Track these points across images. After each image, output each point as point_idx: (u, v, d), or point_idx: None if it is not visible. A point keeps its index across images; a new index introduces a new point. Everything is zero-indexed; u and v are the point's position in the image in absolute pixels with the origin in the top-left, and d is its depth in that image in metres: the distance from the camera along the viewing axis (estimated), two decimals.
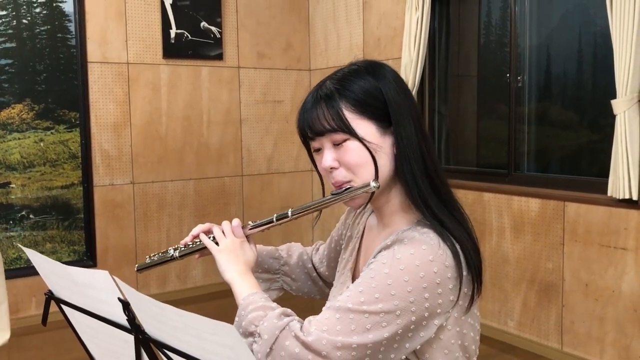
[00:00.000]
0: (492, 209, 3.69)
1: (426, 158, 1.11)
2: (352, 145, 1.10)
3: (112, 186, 4.33)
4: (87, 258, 4.28)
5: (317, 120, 1.12)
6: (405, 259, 1.02)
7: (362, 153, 1.10)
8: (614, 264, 3.09)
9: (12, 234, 4.02)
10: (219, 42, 4.66)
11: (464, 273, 1.05)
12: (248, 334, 1.04)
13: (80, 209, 4.24)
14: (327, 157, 1.13)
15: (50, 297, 1.19)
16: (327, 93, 1.12)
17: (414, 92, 4.03)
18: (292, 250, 1.50)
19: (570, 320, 3.31)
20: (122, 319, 1.02)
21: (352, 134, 1.10)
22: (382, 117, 1.11)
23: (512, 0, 3.69)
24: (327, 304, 1.09)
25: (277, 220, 1.22)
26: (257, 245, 1.33)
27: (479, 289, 1.09)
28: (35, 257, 1.15)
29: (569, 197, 3.30)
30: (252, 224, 1.26)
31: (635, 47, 2.86)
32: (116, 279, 1.00)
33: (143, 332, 1.00)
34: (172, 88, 4.52)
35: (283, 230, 5.01)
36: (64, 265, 1.09)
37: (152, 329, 0.99)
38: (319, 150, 1.16)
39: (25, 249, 1.18)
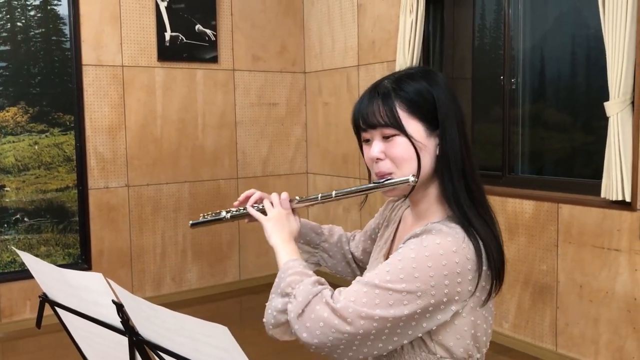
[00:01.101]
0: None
1: (465, 162, 1.22)
2: (401, 140, 1.20)
3: (107, 189, 4.32)
4: (82, 261, 4.27)
5: (372, 114, 1.22)
6: (431, 247, 1.12)
7: (408, 149, 1.20)
8: (607, 265, 3.10)
9: (6, 237, 4.01)
10: (213, 45, 4.67)
11: (484, 268, 1.14)
12: (285, 294, 1.15)
13: (75, 212, 4.23)
14: (375, 149, 1.23)
15: (44, 299, 1.19)
16: (384, 91, 1.22)
17: None
18: (334, 231, 1.62)
19: (564, 321, 3.32)
20: (116, 321, 1.03)
21: (402, 130, 1.20)
22: (431, 120, 1.21)
23: (506, 3, 3.71)
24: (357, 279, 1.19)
25: (321, 199, 1.35)
26: (302, 220, 1.48)
27: (498, 286, 1.18)
28: (30, 260, 1.15)
29: (562, 198, 3.31)
30: (298, 199, 1.40)
31: (627, 49, 2.88)
32: (110, 281, 1.00)
33: (137, 334, 1.01)
34: (167, 91, 4.52)
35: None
36: (58, 267, 1.09)
37: (146, 331, 0.99)
38: (368, 141, 1.27)
39: (19, 252, 1.18)
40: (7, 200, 4.01)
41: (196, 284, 4.71)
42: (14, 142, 4.00)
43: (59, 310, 1.19)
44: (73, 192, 4.22)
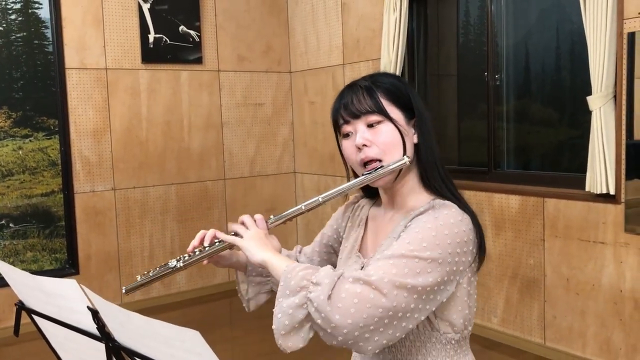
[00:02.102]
0: (473, 207, 3.70)
1: (438, 150, 1.31)
2: (386, 127, 1.25)
3: (93, 193, 4.29)
4: (70, 266, 4.24)
5: (356, 103, 1.26)
6: (443, 217, 1.18)
7: (395, 134, 1.25)
8: (593, 258, 3.12)
9: None
10: (198, 46, 4.65)
11: (477, 238, 1.22)
12: (300, 289, 1.10)
13: (61, 217, 4.20)
14: (361, 136, 1.25)
15: (20, 307, 1.18)
16: (364, 84, 1.29)
17: None
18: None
19: (552, 315, 3.34)
20: (92, 328, 1.02)
21: (387, 116, 1.25)
22: (407, 110, 1.29)
23: (489, 0, 3.72)
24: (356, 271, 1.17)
25: (305, 207, 1.29)
26: None
27: (483, 254, 1.25)
28: (4, 268, 1.14)
29: (548, 193, 3.33)
30: (273, 217, 1.33)
31: (609, 44, 2.89)
32: (84, 287, 0.99)
33: (113, 340, 1.00)
34: (152, 93, 4.50)
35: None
36: (33, 275, 1.08)
37: (122, 337, 0.98)
38: (347, 135, 1.28)
39: None
40: None
41: (185, 286, 4.69)
42: None
43: (36, 317, 1.18)
44: (59, 196, 4.19)
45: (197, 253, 1.32)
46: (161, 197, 4.57)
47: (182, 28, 4.56)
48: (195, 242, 1.35)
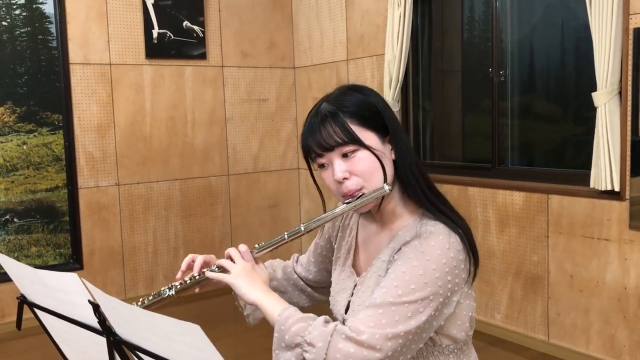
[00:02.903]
0: (477, 203, 3.70)
1: (417, 160, 1.26)
2: (362, 154, 1.20)
3: (97, 188, 4.30)
4: (74, 261, 4.25)
5: (326, 136, 1.20)
6: (429, 251, 1.15)
7: (372, 160, 1.20)
8: (597, 255, 3.11)
9: None
10: (202, 42, 4.64)
11: (469, 253, 1.20)
12: (295, 346, 1.10)
13: (65, 212, 4.21)
14: (338, 169, 1.21)
15: (23, 301, 1.18)
16: (329, 111, 1.22)
17: (398, 88, 4.04)
18: (275, 266, 1.58)
19: (556, 311, 3.33)
20: (94, 322, 1.02)
21: (361, 144, 1.20)
22: (380, 128, 1.23)
23: None
24: (355, 301, 1.20)
25: (288, 237, 1.27)
26: None
27: (477, 263, 1.24)
28: (6, 261, 1.14)
29: (552, 189, 3.32)
30: (257, 247, 1.31)
31: (614, 40, 2.87)
32: (85, 281, 0.99)
33: (114, 334, 1.00)
34: (156, 88, 4.50)
35: (271, 211, 5.04)
36: (34, 269, 1.08)
37: (124, 331, 0.98)
38: (323, 166, 1.24)
39: None
40: None
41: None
42: (1, 142, 3.98)
43: (38, 311, 1.18)
44: (63, 191, 4.19)
45: (187, 282, 1.33)
46: (165, 193, 4.58)
47: (186, 23, 4.56)
48: (183, 267, 1.36)
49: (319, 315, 1.15)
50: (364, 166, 1.20)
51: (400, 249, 1.19)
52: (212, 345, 0.82)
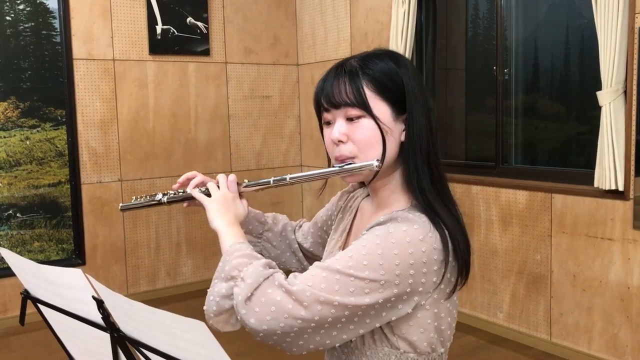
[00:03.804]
0: (480, 202, 3.69)
1: (430, 151, 1.15)
2: (366, 123, 1.12)
3: (100, 184, 4.30)
4: (76, 256, 4.25)
5: (337, 92, 1.14)
6: (397, 234, 1.05)
7: (374, 132, 1.12)
8: (600, 255, 3.10)
9: None
10: (205, 38, 4.64)
11: (450, 259, 1.08)
12: (230, 278, 1.06)
13: (68, 207, 4.21)
14: (337, 129, 1.15)
15: (26, 296, 1.18)
16: (350, 69, 1.15)
17: None
18: (278, 219, 1.53)
19: (558, 311, 3.32)
20: (97, 318, 1.02)
21: (369, 111, 1.12)
22: (398, 103, 1.14)
23: None
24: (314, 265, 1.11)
25: (273, 183, 1.25)
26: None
27: (464, 279, 1.12)
28: (10, 257, 1.14)
29: (556, 188, 3.31)
30: (247, 182, 1.30)
31: (619, 39, 2.86)
32: (89, 277, 0.99)
33: (118, 330, 1.00)
34: (159, 84, 4.50)
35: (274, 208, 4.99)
36: (37, 264, 1.08)
37: (127, 327, 0.98)
38: (329, 123, 1.18)
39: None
40: None
41: (191, 277, 4.70)
42: (5, 137, 3.98)
43: (41, 307, 1.17)
44: (66, 187, 4.20)
45: (180, 193, 1.35)
46: (167, 189, 4.56)
47: (189, 20, 4.55)
48: (181, 179, 1.36)
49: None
50: (363, 135, 1.12)
51: (372, 227, 1.11)
52: (216, 341, 0.82)
